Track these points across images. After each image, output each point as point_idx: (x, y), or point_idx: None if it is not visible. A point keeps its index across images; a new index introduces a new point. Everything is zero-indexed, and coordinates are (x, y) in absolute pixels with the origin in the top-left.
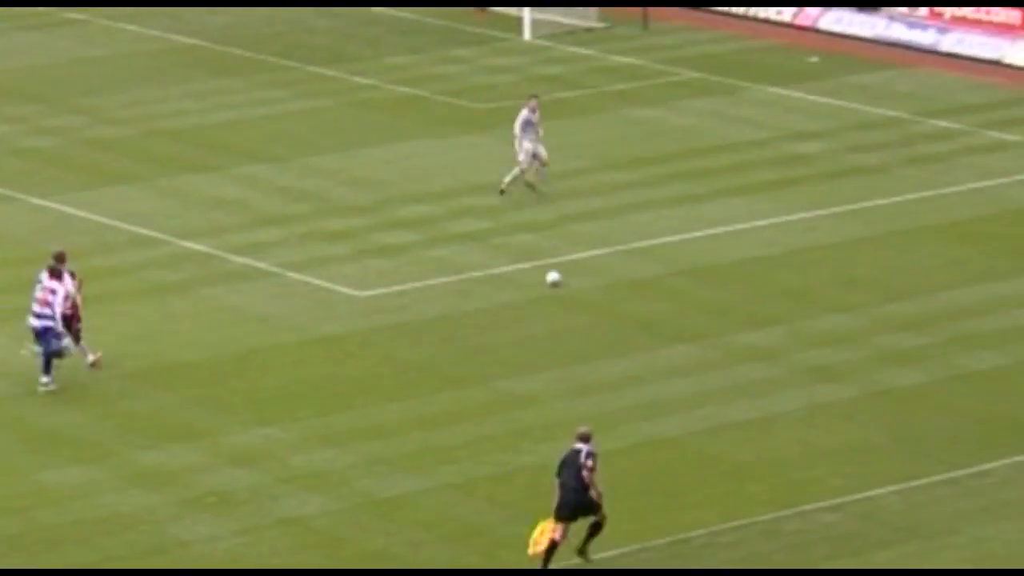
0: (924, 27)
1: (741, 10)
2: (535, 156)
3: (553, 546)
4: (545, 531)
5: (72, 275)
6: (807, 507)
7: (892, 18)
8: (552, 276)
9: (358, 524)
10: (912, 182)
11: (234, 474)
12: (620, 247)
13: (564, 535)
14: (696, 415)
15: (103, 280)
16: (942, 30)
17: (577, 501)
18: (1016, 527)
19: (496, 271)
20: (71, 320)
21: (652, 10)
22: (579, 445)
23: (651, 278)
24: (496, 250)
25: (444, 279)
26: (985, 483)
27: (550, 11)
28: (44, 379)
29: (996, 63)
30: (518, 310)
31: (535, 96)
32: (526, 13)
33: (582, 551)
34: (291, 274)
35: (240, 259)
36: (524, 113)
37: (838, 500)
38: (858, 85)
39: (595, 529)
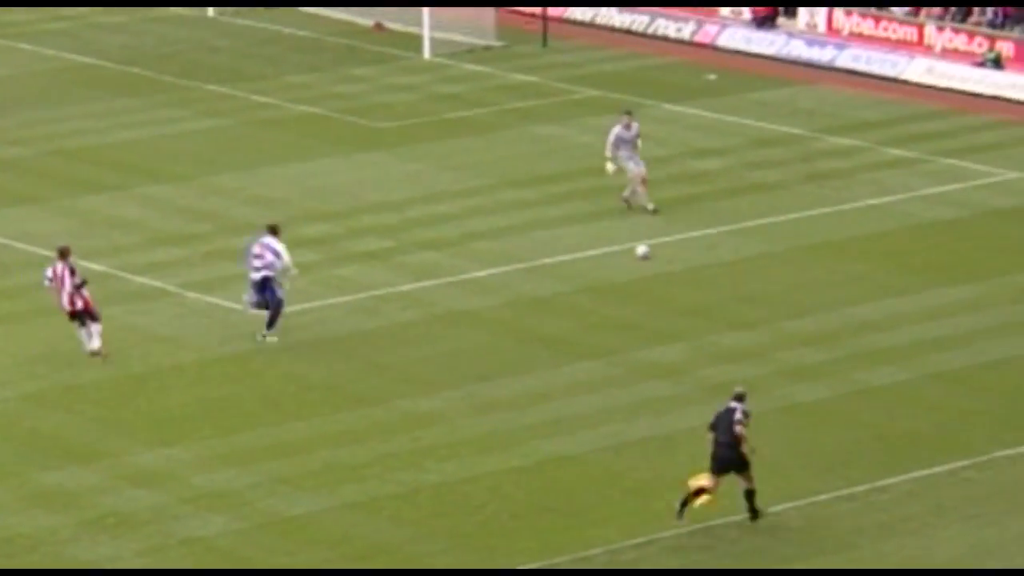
0: (823, 44)
1: (641, 28)
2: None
3: (700, 492)
4: (700, 479)
5: (73, 272)
6: (710, 523)
7: (791, 35)
8: (641, 249)
9: (261, 544)
10: (812, 199)
11: (136, 494)
12: (522, 265)
13: (715, 486)
14: (600, 432)
15: (3, 301)
16: (840, 47)
17: (728, 456)
18: (916, 543)
19: (399, 289)
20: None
21: (551, 28)
22: (733, 404)
23: (554, 295)
24: (398, 268)
25: (346, 297)
26: (885, 498)
27: (449, 30)
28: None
29: (894, 80)
30: (421, 328)
31: (629, 113)
32: (425, 31)
33: (753, 516)
34: (192, 294)
35: (141, 279)
36: (617, 129)
37: (740, 516)
38: (758, 102)
39: (750, 496)
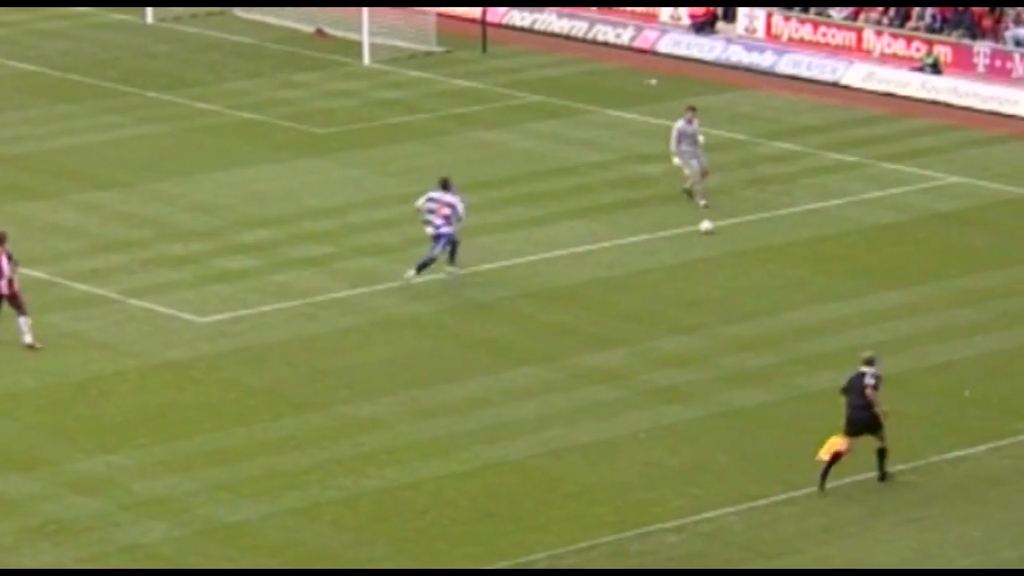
0: (762, 49)
1: (581, 33)
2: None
3: (837, 457)
4: (833, 444)
5: (10, 257)
6: (651, 528)
7: (730, 40)
8: (706, 225)
9: (202, 551)
10: (752, 203)
11: (76, 501)
12: (463, 270)
13: (849, 448)
14: (541, 437)
15: None
16: (780, 52)
17: (861, 418)
18: (858, 546)
19: (339, 295)
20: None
21: (491, 33)
22: (864, 368)
23: (494, 301)
24: (338, 274)
25: (287, 304)
26: (826, 502)
27: (390, 35)
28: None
29: (834, 84)
30: (362, 334)
31: (693, 108)
32: (365, 37)
33: (881, 477)
34: (133, 300)
35: (81, 286)
36: (680, 124)
37: (682, 521)
38: (698, 107)
39: (882, 455)
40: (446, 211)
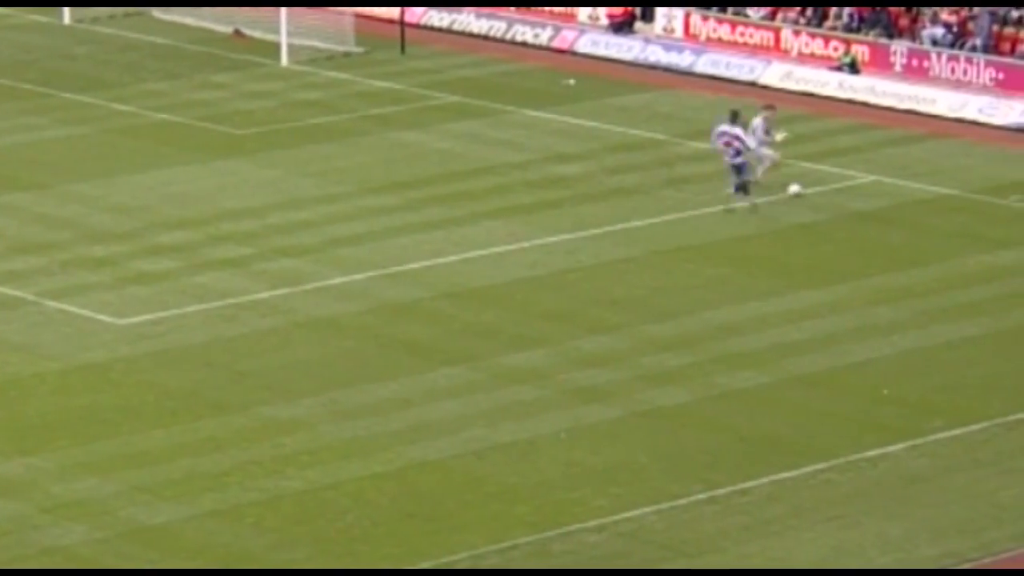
0: (680, 49)
1: (499, 33)
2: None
3: None
4: None
5: None
6: (572, 528)
7: (648, 40)
8: (794, 188)
9: (122, 553)
10: (671, 203)
11: None
12: (383, 271)
13: None
14: (462, 437)
15: None
16: (698, 52)
17: None
18: (779, 544)
19: (258, 296)
20: None
21: (410, 34)
22: None
23: (415, 301)
24: (258, 276)
25: (206, 305)
26: (746, 501)
27: (308, 36)
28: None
29: (752, 84)
30: (282, 335)
31: (772, 107)
32: (283, 38)
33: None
34: (50, 302)
35: None
36: (758, 121)
37: (602, 520)
38: (617, 107)
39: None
40: (737, 144)
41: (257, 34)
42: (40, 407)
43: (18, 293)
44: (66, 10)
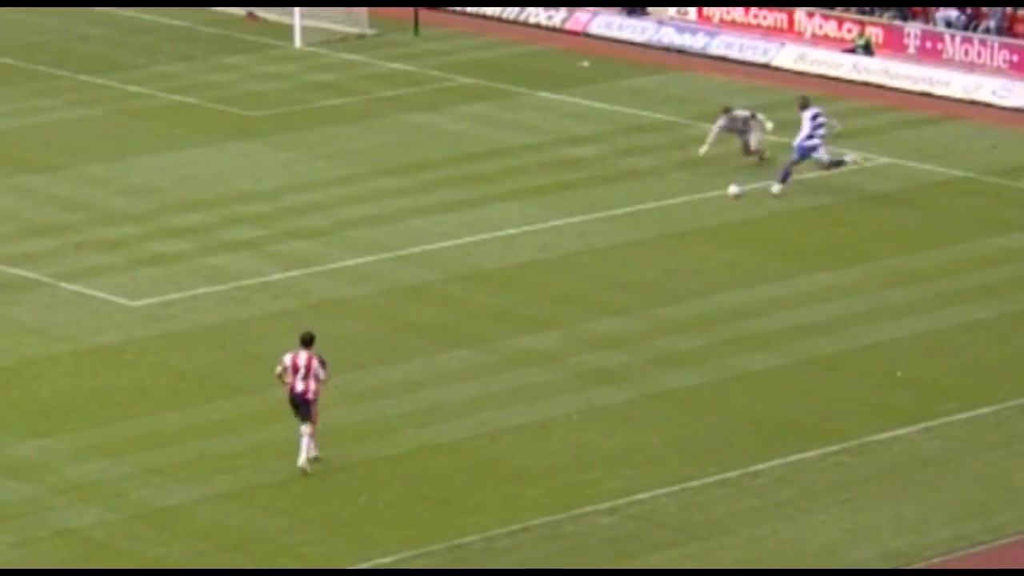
0: (694, 31)
1: (512, 15)
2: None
3: None
4: None
5: None
6: (584, 510)
7: (662, 22)
8: (734, 189)
9: (135, 535)
10: (684, 185)
11: (8, 486)
12: (395, 253)
13: None
14: (474, 420)
15: None
16: (711, 34)
17: None
18: (790, 527)
19: (271, 278)
20: None
21: (424, 16)
22: None
23: (427, 283)
24: (271, 257)
25: (219, 287)
26: (759, 483)
27: (321, 18)
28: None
29: (765, 66)
30: (294, 317)
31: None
32: (296, 20)
33: None
34: (64, 284)
35: (12, 270)
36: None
37: (615, 502)
38: (631, 89)
39: None
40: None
41: (271, 16)
42: (53, 389)
43: (32, 275)
44: None
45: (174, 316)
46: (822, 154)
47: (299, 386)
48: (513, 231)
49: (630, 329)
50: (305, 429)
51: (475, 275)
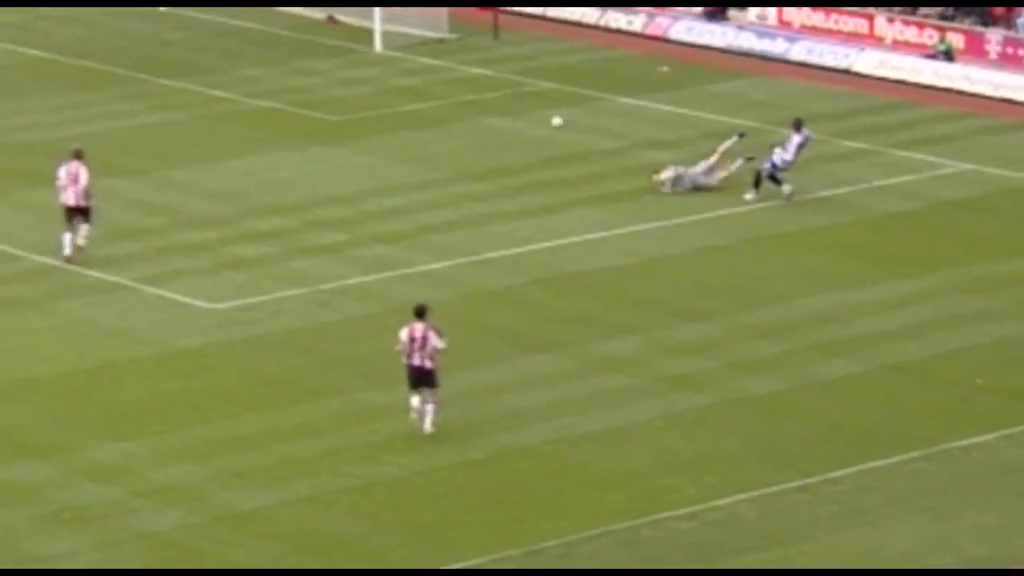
0: (773, 36)
1: (592, 20)
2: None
3: None
4: None
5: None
6: (664, 515)
7: (742, 27)
8: (557, 120)
9: (216, 538)
10: (765, 191)
11: (91, 489)
12: (476, 257)
13: None
14: (555, 425)
15: None
16: (791, 39)
17: None
18: (871, 534)
19: (353, 282)
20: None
21: (503, 20)
22: None
23: (508, 288)
24: (353, 262)
25: (301, 291)
26: (839, 490)
27: (402, 22)
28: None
29: (846, 71)
30: (376, 321)
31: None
32: (377, 24)
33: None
34: (147, 287)
35: (95, 273)
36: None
37: (694, 508)
38: (711, 94)
39: None
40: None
41: (351, 20)
42: (136, 392)
43: (115, 278)
44: None
45: (256, 320)
46: (772, 162)
47: (416, 359)
48: (594, 236)
49: (711, 335)
50: (430, 397)
51: (556, 280)
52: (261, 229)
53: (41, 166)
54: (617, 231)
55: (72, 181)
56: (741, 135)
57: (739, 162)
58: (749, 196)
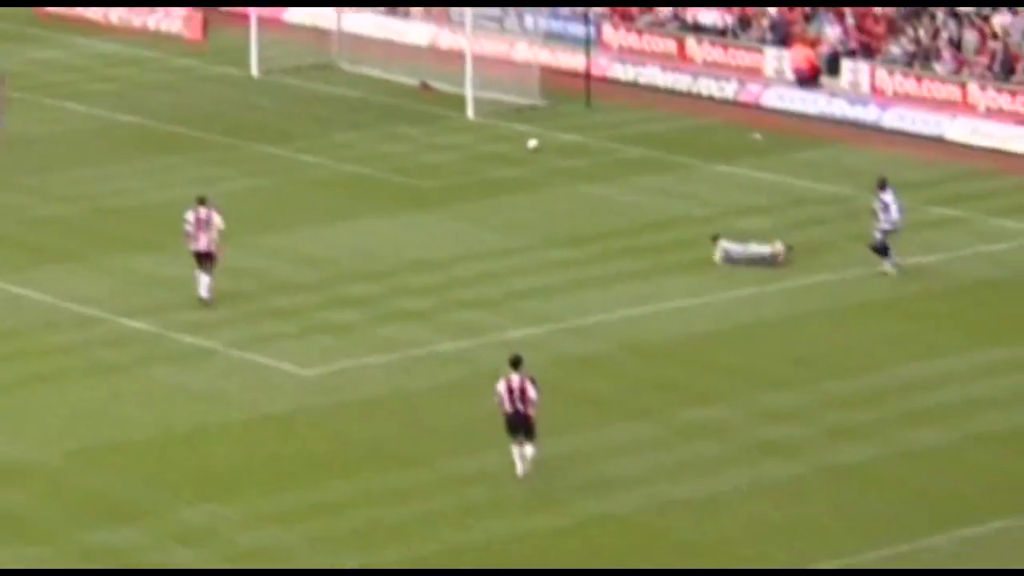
0: (866, 103)
1: (684, 87)
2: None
3: None
4: None
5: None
6: None
7: (834, 94)
8: (532, 143)
9: None
10: (857, 257)
11: (181, 553)
12: (565, 324)
13: None
14: (643, 492)
15: (49, 359)
16: (884, 106)
17: None
18: None
19: (442, 348)
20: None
21: (594, 87)
22: None
23: (597, 355)
24: (441, 328)
25: (390, 356)
26: (932, 558)
27: (494, 89)
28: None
29: (937, 139)
30: (464, 388)
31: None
32: (469, 91)
33: None
34: (237, 352)
35: (186, 338)
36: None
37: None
38: (802, 161)
39: None
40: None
41: (444, 87)
42: (226, 456)
43: (205, 343)
44: (254, 62)
45: (345, 385)
46: (883, 229)
47: (515, 407)
48: (684, 303)
49: (800, 402)
50: (529, 450)
51: (645, 347)
52: (351, 294)
53: (132, 231)
54: (707, 298)
55: (202, 227)
56: (790, 248)
57: (780, 248)
58: (887, 267)
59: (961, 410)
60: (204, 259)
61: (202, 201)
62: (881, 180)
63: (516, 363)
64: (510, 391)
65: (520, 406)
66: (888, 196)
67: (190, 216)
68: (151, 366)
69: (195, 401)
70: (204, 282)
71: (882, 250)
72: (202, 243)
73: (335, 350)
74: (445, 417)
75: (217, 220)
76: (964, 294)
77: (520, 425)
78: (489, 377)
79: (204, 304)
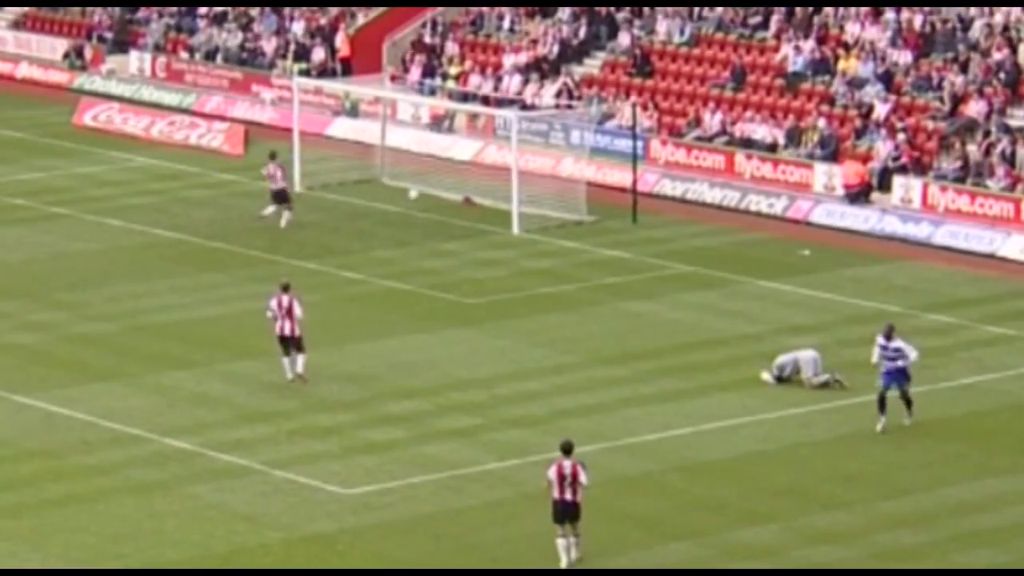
0: (917, 220)
1: (733, 203)
2: None
3: None
4: None
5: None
6: None
7: (885, 211)
8: (413, 193)
9: None
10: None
11: None
12: (612, 443)
13: None
14: None
15: (86, 478)
16: (936, 223)
17: None
18: None
19: (486, 468)
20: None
21: (642, 203)
22: None
23: (644, 475)
24: (486, 446)
25: (433, 476)
26: None
27: (539, 205)
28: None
29: (991, 256)
30: (510, 507)
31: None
32: (514, 207)
33: None
34: (277, 472)
35: (225, 456)
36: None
37: None
38: (852, 278)
39: None
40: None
41: (487, 202)
42: None
43: (245, 462)
44: (296, 179)
45: (388, 505)
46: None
47: (566, 493)
48: (733, 422)
49: (852, 523)
50: (573, 531)
51: (693, 466)
52: (393, 412)
53: (171, 348)
54: (756, 416)
55: (285, 314)
56: (837, 380)
57: (825, 378)
58: (907, 422)
59: (1013, 531)
60: (290, 343)
61: (285, 288)
62: (888, 329)
63: (568, 449)
64: (561, 477)
65: (569, 494)
66: (900, 341)
67: (272, 303)
68: (190, 485)
69: (234, 521)
70: (299, 360)
71: (880, 405)
72: (287, 328)
73: (377, 469)
74: (490, 537)
75: (298, 310)
76: (1017, 413)
77: (568, 512)
78: (534, 498)
79: (302, 381)
